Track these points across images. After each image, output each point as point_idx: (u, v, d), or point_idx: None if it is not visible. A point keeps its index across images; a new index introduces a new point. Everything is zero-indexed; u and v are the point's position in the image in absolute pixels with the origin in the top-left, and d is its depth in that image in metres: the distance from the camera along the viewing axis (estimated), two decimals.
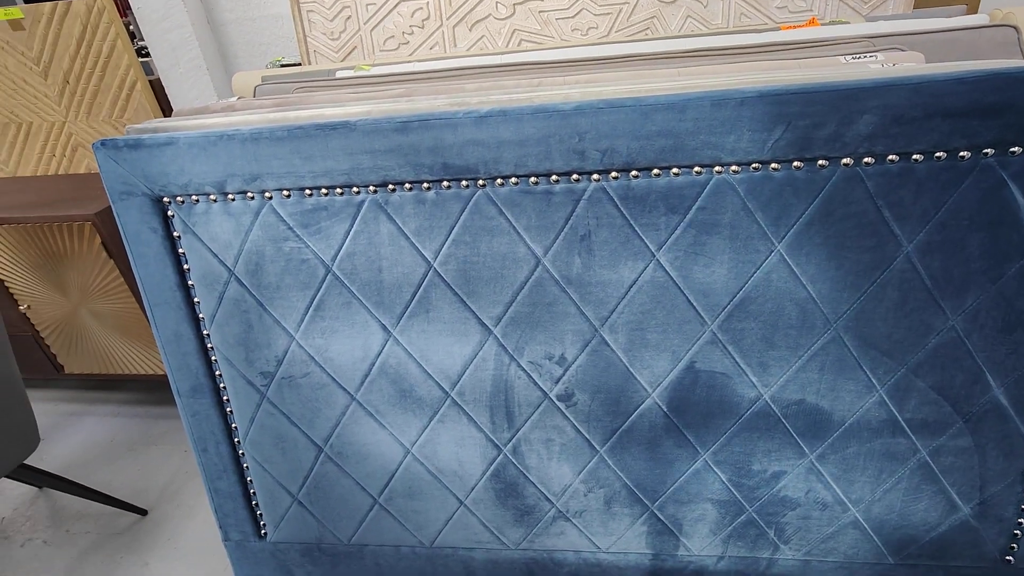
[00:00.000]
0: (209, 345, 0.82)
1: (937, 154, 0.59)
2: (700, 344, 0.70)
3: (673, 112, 0.61)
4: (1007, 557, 0.79)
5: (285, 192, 0.71)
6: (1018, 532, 0.76)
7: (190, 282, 0.78)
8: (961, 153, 0.59)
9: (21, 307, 1.59)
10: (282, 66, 1.40)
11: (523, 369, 0.75)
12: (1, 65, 1.53)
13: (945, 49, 0.88)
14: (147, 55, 1.69)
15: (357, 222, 0.71)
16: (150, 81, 1.61)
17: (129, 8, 1.67)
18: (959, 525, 0.77)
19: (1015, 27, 0.85)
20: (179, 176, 0.71)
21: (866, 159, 0.61)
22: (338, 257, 0.73)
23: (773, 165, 0.62)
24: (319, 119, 0.70)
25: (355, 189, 0.70)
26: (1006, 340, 0.66)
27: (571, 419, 0.77)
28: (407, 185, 0.68)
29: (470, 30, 1.28)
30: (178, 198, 0.73)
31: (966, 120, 0.58)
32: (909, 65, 0.69)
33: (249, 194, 0.72)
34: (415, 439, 0.82)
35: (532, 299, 0.71)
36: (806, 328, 0.68)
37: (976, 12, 1.44)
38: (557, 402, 0.76)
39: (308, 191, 0.71)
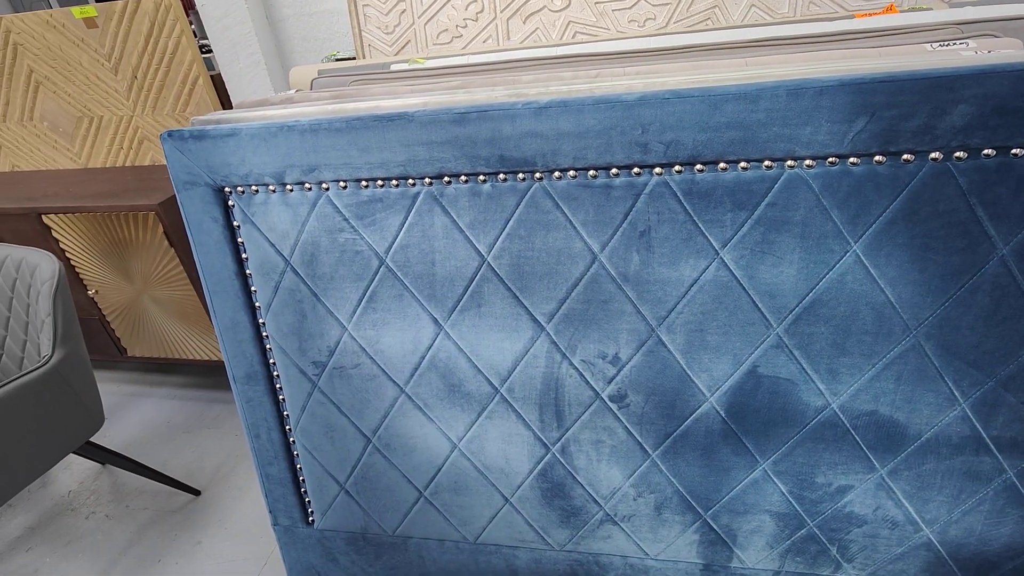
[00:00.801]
0: (264, 334, 0.83)
1: None
2: (764, 348, 0.67)
3: (745, 103, 0.58)
4: None
5: (342, 183, 0.71)
6: None
7: (248, 271, 0.79)
8: None
9: (90, 292, 1.67)
10: (337, 60, 1.42)
11: (575, 367, 0.73)
12: (76, 62, 1.60)
13: None
14: (209, 51, 1.75)
15: (412, 214, 0.70)
16: (211, 76, 1.66)
17: (193, 6, 1.73)
18: None
19: None
20: (240, 166, 0.72)
21: (958, 153, 0.56)
22: (392, 249, 0.72)
23: (852, 159, 0.58)
24: (377, 111, 0.70)
25: (411, 181, 0.69)
26: None
27: (623, 420, 0.75)
28: (463, 177, 0.67)
29: (524, 23, 1.26)
30: (239, 188, 0.74)
31: None
32: (1008, 52, 0.63)
33: (307, 185, 0.72)
34: (463, 434, 0.81)
35: (587, 296, 0.69)
36: (883, 334, 0.63)
37: None
38: (609, 403, 0.74)
39: (364, 182, 0.70)
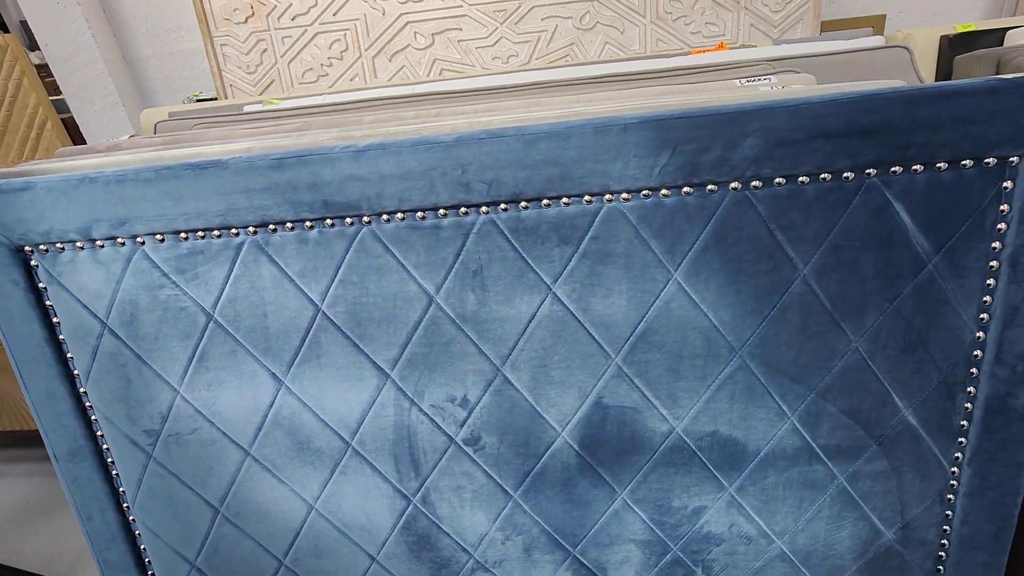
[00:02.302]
0: (87, 404, 0.75)
1: (823, 175, 0.58)
2: (606, 378, 0.67)
3: (557, 140, 0.59)
4: None
5: (158, 236, 0.66)
6: (943, 554, 0.75)
7: (60, 336, 0.71)
8: (846, 174, 0.58)
9: None
10: (199, 101, 1.35)
11: (425, 413, 0.70)
12: None
13: (843, 71, 0.90)
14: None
15: (237, 265, 0.66)
16: (66, 120, 1.54)
17: (36, 46, 1.60)
18: (885, 551, 0.74)
19: (907, 48, 0.87)
20: (39, 223, 0.66)
21: (754, 182, 0.59)
22: (219, 303, 0.68)
23: (663, 191, 0.60)
24: (191, 158, 0.66)
25: (233, 230, 0.65)
26: (909, 360, 0.65)
27: (480, 463, 0.73)
28: (288, 224, 0.64)
29: (390, 61, 1.26)
30: (40, 247, 0.67)
31: (846, 141, 0.57)
32: (796, 87, 0.68)
33: (119, 240, 0.66)
34: (318, 494, 0.76)
35: (428, 339, 0.67)
36: (712, 356, 0.66)
37: (882, 33, 1.50)
38: (464, 446, 0.72)
39: (183, 234, 0.66)
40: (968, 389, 0.66)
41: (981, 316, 0.63)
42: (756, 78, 0.77)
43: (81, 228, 0.66)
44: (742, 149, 0.58)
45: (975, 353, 0.64)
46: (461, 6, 1.22)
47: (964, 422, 0.68)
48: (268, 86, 1.29)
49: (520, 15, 1.22)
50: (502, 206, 0.62)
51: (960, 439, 0.68)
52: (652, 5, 1.18)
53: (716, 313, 0.64)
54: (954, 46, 1.02)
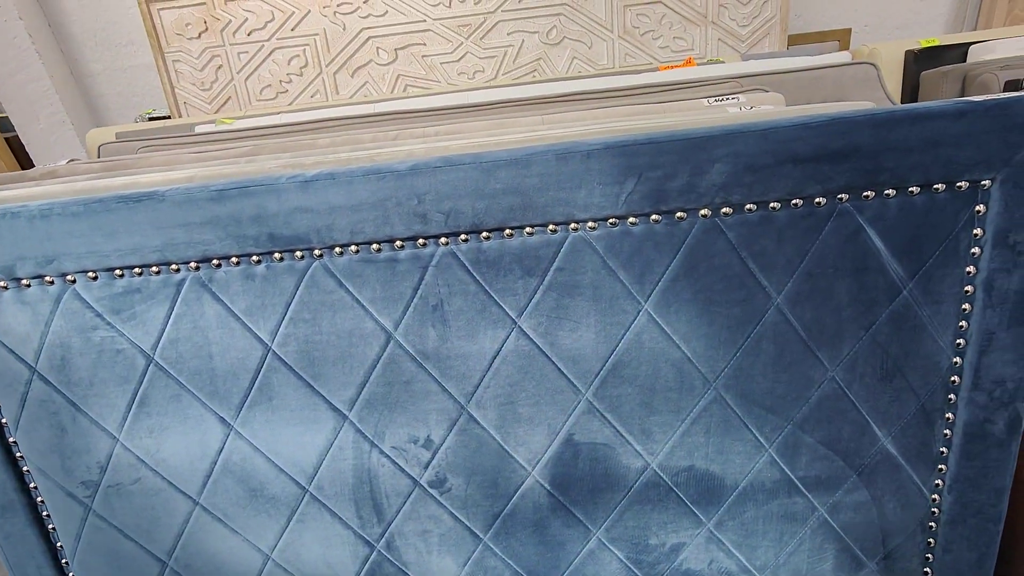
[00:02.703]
0: (18, 455, 0.69)
1: (794, 201, 0.56)
2: (576, 414, 0.64)
3: (517, 168, 0.56)
4: None
5: (90, 274, 0.61)
6: None
7: None
8: (817, 199, 0.56)
9: None
10: (151, 119, 1.29)
11: (386, 455, 0.66)
12: None
13: (812, 88, 0.89)
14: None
15: (178, 304, 0.61)
16: (10, 139, 1.46)
17: None
18: None
19: (874, 65, 0.87)
20: None
21: (724, 209, 0.57)
22: (160, 345, 0.63)
23: (631, 219, 0.58)
24: (128, 188, 0.61)
25: (173, 267, 0.60)
26: (887, 388, 0.63)
27: (447, 506, 0.69)
28: (233, 259, 0.60)
29: (352, 76, 1.22)
30: None
31: (816, 165, 0.55)
32: (766, 108, 0.67)
33: (47, 278, 0.61)
34: (274, 543, 0.71)
35: (387, 378, 0.63)
36: (685, 389, 0.63)
37: (848, 48, 1.51)
38: (429, 489, 0.68)
39: (117, 271, 0.61)
40: (946, 415, 0.64)
41: (957, 341, 0.61)
42: (724, 98, 0.75)
43: (4, 267, 0.60)
44: (710, 175, 0.56)
45: (952, 379, 0.63)
46: (424, 20, 1.19)
47: (943, 449, 0.66)
48: (224, 103, 1.24)
49: (485, 30, 1.19)
50: (462, 237, 0.59)
51: (940, 466, 0.67)
52: (619, 20, 1.17)
53: (689, 344, 0.61)
54: (919, 61, 1.03)
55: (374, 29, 1.20)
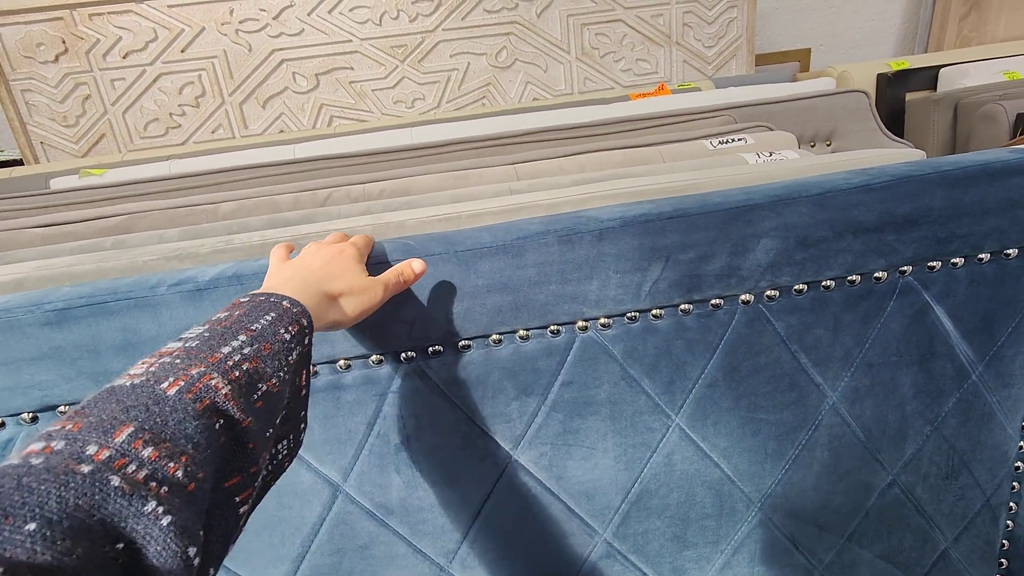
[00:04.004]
0: None
1: (851, 278, 0.45)
2: (593, 561, 0.49)
3: (507, 257, 0.41)
4: None
5: None
6: None
7: None
8: (877, 274, 0.45)
9: None
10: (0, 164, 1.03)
11: None
12: None
13: (804, 117, 0.81)
14: None
15: None
16: None
17: None
18: None
19: (865, 92, 0.80)
20: None
21: (769, 292, 0.45)
22: None
23: (654, 311, 0.44)
24: None
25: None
26: (951, 487, 0.53)
27: None
28: None
29: (263, 107, 1.03)
30: None
31: (880, 236, 0.44)
32: (789, 155, 0.55)
33: None
34: None
35: (336, 544, 0.46)
36: (725, 515, 0.50)
37: (808, 68, 1.49)
38: None
39: None
40: (1010, 506, 0.55)
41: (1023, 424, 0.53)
42: (728, 138, 0.63)
43: None
44: (755, 253, 0.43)
45: (1016, 465, 0.54)
46: (351, 41, 1.02)
47: (1005, 541, 0.57)
48: (97, 142, 1.00)
49: (424, 51, 1.04)
50: (431, 349, 0.43)
51: (1002, 561, 0.58)
52: (576, 40, 1.05)
53: (729, 461, 0.48)
54: (892, 84, 0.98)
55: (288, 51, 1.01)
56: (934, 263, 0.46)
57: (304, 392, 0.31)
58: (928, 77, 0.98)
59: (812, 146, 0.90)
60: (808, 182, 0.43)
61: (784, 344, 0.46)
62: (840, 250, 0.44)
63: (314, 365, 0.42)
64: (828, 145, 0.89)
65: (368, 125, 0.99)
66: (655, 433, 0.46)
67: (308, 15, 1.00)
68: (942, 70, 0.97)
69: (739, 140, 0.61)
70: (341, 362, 0.42)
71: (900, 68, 0.98)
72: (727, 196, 0.43)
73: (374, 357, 0.42)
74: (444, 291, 0.41)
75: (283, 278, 0.34)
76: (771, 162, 0.56)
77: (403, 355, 0.43)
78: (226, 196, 0.66)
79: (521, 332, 0.43)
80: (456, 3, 1.02)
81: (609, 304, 0.43)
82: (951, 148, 0.98)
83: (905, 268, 0.46)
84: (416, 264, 0.39)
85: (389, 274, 0.38)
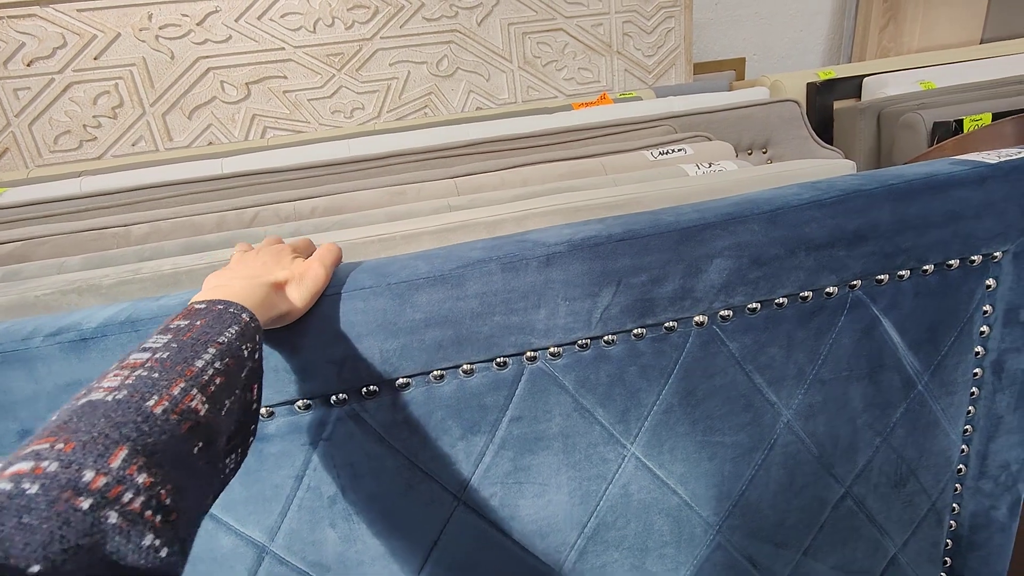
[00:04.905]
0: None
1: (803, 294, 0.43)
2: None
3: (447, 289, 0.36)
4: None
5: None
6: None
7: None
8: (828, 290, 0.43)
9: None
10: None
11: None
12: None
13: (741, 125, 0.79)
14: None
15: None
16: None
17: None
18: None
19: (796, 102, 0.79)
20: None
21: (723, 312, 0.41)
22: None
23: (606, 338, 0.40)
24: None
25: None
26: (900, 494, 0.52)
27: None
28: None
29: (189, 118, 0.94)
30: None
31: (831, 251, 0.42)
32: (728, 167, 0.53)
33: None
34: None
35: None
36: (684, 541, 0.47)
37: (743, 77, 1.50)
38: None
39: None
40: (953, 507, 0.55)
41: (965, 428, 0.52)
42: (668, 148, 0.61)
43: None
44: (708, 274, 0.40)
45: (959, 468, 0.53)
46: (283, 48, 0.94)
47: (949, 541, 0.57)
48: (1, 156, 0.89)
49: (362, 60, 0.97)
50: (366, 390, 0.37)
51: (946, 559, 0.57)
52: (518, 49, 1.01)
53: (687, 487, 0.45)
54: (821, 93, 0.99)
55: (215, 58, 0.92)
56: (882, 276, 0.44)
57: (255, 406, 0.30)
58: (853, 86, 1.00)
59: (749, 154, 0.89)
60: (759, 198, 0.41)
61: (739, 365, 0.43)
62: (793, 267, 0.41)
63: None
64: (764, 153, 0.89)
65: (304, 137, 0.92)
66: (610, 464, 0.43)
67: (236, 21, 0.91)
68: (865, 79, 0.99)
69: (679, 151, 0.58)
70: (263, 411, 0.36)
71: (827, 77, 0.99)
72: (679, 215, 0.39)
73: (300, 402, 0.37)
74: (377, 327, 0.36)
75: (227, 276, 0.33)
76: (711, 173, 0.53)
77: (333, 398, 0.37)
78: (141, 217, 0.59)
79: (465, 366, 0.38)
80: (394, 11, 0.96)
81: (559, 333, 0.39)
82: (876, 154, 1.00)
83: (855, 283, 0.44)
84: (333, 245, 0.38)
85: (321, 250, 0.37)
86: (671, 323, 0.41)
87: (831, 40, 1.47)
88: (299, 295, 0.33)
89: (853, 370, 0.46)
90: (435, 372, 0.38)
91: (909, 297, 0.45)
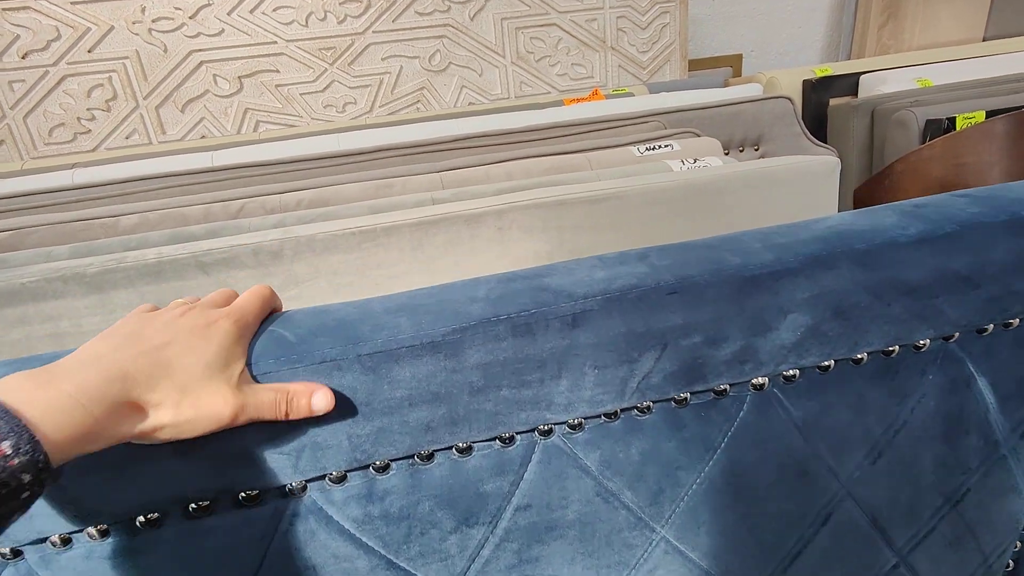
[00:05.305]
0: None
1: (888, 349, 0.29)
2: None
3: (436, 359, 0.23)
4: None
5: None
6: None
7: None
8: (917, 344, 0.29)
9: None
10: None
11: None
12: None
13: (733, 122, 0.65)
14: None
15: None
16: None
17: None
18: None
19: (789, 99, 0.64)
20: None
21: (788, 372, 0.28)
22: None
23: (641, 405, 0.27)
24: None
25: None
26: (954, 554, 0.39)
27: None
28: None
29: (182, 111, 0.78)
30: None
31: (930, 300, 0.28)
32: (712, 163, 0.39)
33: None
34: None
35: None
36: None
37: (740, 74, 1.32)
38: None
39: None
40: (1008, 563, 0.42)
41: None
42: (655, 145, 0.46)
43: None
44: (778, 332, 0.26)
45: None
46: (275, 42, 0.78)
47: None
48: None
49: (354, 54, 0.81)
50: (330, 477, 0.24)
51: None
52: (511, 44, 0.85)
53: (717, 561, 0.33)
54: (817, 90, 0.83)
55: (208, 52, 0.77)
56: (986, 327, 0.30)
57: None
58: (850, 83, 0.84)
59: (741, 151, 0.75)
60: (851, 231, 0.26)
61: (798, 431, 0.30)
62: (878, 317, 0.28)
63: (182, 503, 0.23)
64: (756, 150, 0.74)
65: (296, 130, 0.77)
66: (635, 550, 0.30)
67: (228, 15, 0.75)
68: (862, 77, 0.84)
69: (666, 147, 0.45)
70: (198, 505, 0.23)
71: (824, 75, 0.84)
72: (747, 255, 0.25)
73: (246, 493, 0.24)
74: (344, 409, 0.23)
75: (73, 362, 0.19)
76: (695, 169, 0.39)
77: (288, 487, 0.24)
78: (130, 208, 0.46)
79: (457, 447, 0.25)
80: (386, 5, 0.80)
81: (583, 407, 0.25)
82: (869, 152, 0.85)
83: (952, 334, 0.30)
84: (319, 399, 0.21)
85: (265, 395, 0.21)
86: (723, 387, 0.27)
87: (830, 37, 1.28)
88: (169, 430, 0.20)
89: (928, 432, 0.32)
90: (418, 455, 0.25)
91: (1007, 347, 0.31)
